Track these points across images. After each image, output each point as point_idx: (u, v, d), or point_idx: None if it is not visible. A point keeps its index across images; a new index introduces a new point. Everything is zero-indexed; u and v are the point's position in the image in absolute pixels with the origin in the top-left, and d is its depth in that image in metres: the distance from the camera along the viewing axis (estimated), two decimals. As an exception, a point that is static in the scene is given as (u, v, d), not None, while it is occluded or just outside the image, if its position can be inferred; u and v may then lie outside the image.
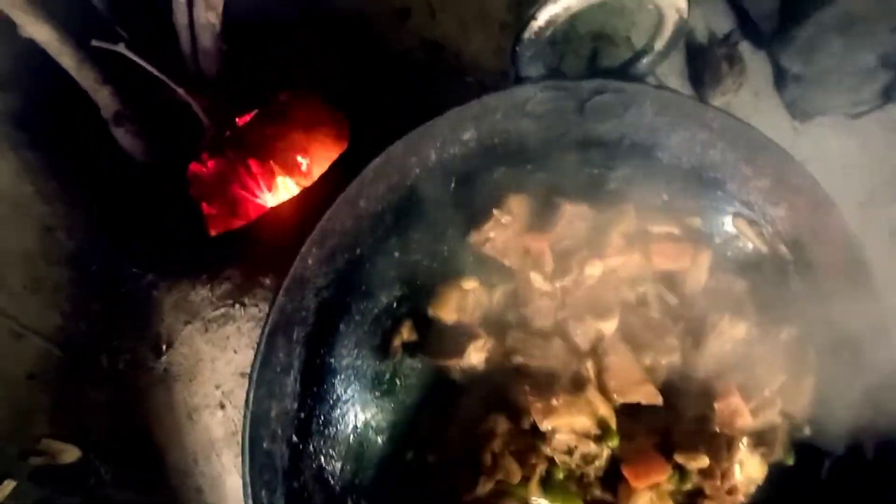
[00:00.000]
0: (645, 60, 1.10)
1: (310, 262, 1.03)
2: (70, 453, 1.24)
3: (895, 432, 1.10)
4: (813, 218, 1.19)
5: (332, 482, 1.12)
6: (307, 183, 1.51)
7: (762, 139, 1.15)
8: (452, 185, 1.16)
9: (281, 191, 1.57)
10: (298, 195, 1.33)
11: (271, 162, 1.56)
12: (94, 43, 1.20)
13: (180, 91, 1.31)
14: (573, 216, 1.14)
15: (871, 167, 1.86)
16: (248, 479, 0.96)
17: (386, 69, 1.48)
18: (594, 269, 1.12)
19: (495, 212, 1.14)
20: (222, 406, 1.26)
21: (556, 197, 1.16)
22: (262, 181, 1.57)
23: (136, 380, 1.27)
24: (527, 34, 0.99)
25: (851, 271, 1.18)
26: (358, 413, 1.16)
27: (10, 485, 1.18)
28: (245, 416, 0.96)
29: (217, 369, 1.25)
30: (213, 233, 1.40)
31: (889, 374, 1.12)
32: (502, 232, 1.14)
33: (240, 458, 1.16)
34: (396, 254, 1.17)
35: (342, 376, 1.14)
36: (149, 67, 1.26)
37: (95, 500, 1.25)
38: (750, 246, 1.25)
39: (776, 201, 1.21)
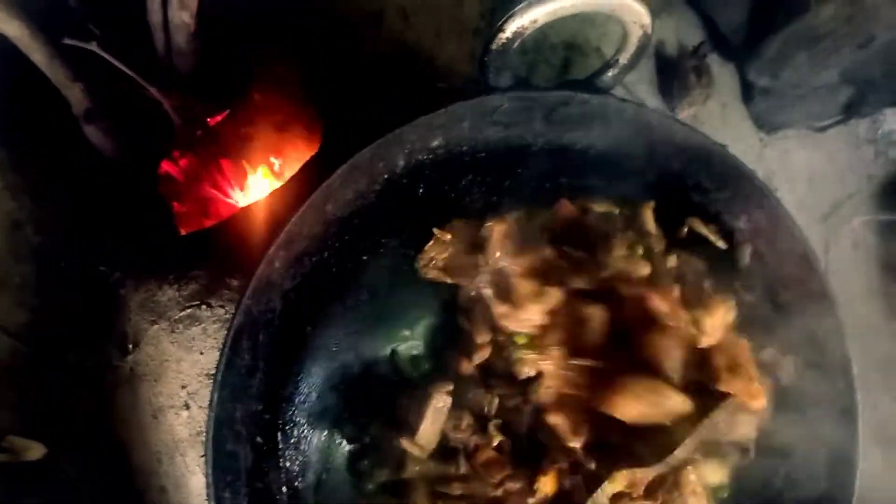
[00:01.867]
0: (611, 73, 1.12)
1: (276, 265, 1.04)
2: (35, 450, 1.24)
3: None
4: (771, 230, 1.21)
5: (296, 483, 1.14)
6: (279, 183, 1.52)
7: (722, 153, 1.18)
8: (421, 191, 1.18)
9: (252, 190, 1.57)
10: (269, 196, 1.34)
11: (243, 161, 1.56)
12: (67, 41, 1.20)
13: (152, 90, 1.31)
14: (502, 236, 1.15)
15: (835, 180, 1.90)
16: (211, 479, 0.98)
17: (359, 72, 1.49)
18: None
19: (436, 231, 1.15)
20: (187, 406, 1.26)
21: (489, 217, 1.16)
22: (233, 181, 1.57)
23: (102, 378, 1.27)
24: (494, 45, 1.01)
25: (808, 283, 1.21)
26: (325, 416, 1.17)
27: (-28, 481, 1.18)
28: (209, 418, 0.97)
29: (182, 370, 1.26)
30: (183, 231, 1.40)
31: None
32: (444, 251, 1.16)
33: (204, 459, 1.18)
34: (364, 257, 1.19)
35: (308, 378, 1.16)
36: (121, 66, 1.26)
37: (60, 497, 1.25)
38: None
39: (736, 213, 1.23)
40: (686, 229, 1.25)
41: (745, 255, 1.24)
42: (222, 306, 1.26)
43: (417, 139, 1.10)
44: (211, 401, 0.97)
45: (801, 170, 1.87)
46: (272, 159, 1.58)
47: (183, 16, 1.31)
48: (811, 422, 1.18)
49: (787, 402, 1.19)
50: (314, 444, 1.16)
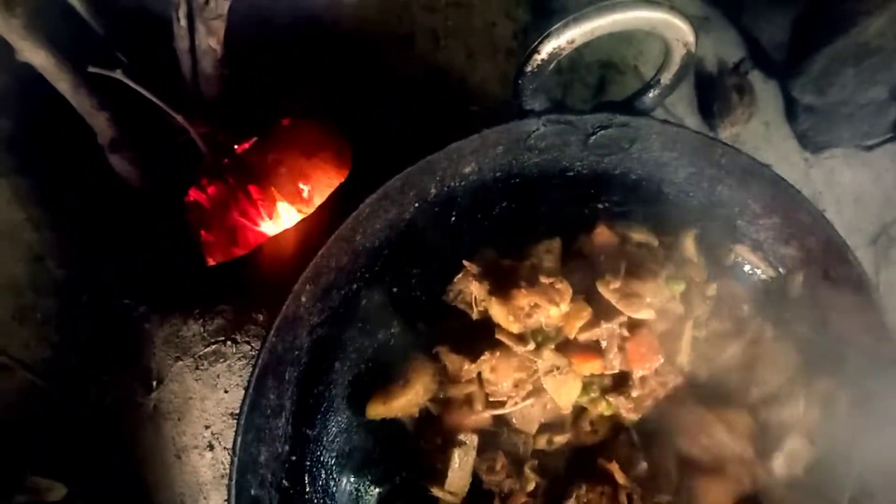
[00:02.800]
0: (652, 94, 1.07)
1: (303, 299, 1.00)
2: (56, 491, 1.20)
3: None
4: (824, 258, 1.15)
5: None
6: (309, 210, 1.48)
7: (772, 176, 1.13)
8: (453, 219, 1.13)
9: (282, 218, 1.54)
10: (298, 224, 1.30)
11: (272, 188, 1.53)
12: (91, 69, 1.18)
13: (179, 118, 1.29)
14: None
15: (883, 200, 1.84)
16: (234, 526, 0.93)
17: (390, 96, 1.46)
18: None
19: (466, 263, 1.09)
20: (211, 447, 1.22)
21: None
22: (262, 208, 1.54)
23: (125, 416, 1.24)
24: (529, 67, 0.97)
25: (864, 313, 1.15)
26: (354, 453, 1.12)
27: (-7, 522, 1.15)
28: (232, 464, 0.93)
29: (206, 409, 1.22)
30: (211, 262, 1.37)
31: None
32: (470, 285, 1.10)
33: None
34: (395, 289, 1.14)
35: (336, 416, 1.11)
36: (147, 94, 1.23)
37: (81, 539, 1.22)
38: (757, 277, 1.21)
39: (786, 240, 1.18)
40: (732, 257, 1.20)
41: (797, 285, 1.18)
42: (248, 342, 1.22)
43: (449, 166, 1.06)
44: (234, 445, 0.93)
45: (848, 190, 1.81)
46: (301, 185, 1.55)
47: (210, 42, 1.29)
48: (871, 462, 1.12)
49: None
50: (343, 488, 1.12)
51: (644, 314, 1.02)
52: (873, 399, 1.11)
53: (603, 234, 1.12)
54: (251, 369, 0.96)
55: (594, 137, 1.08)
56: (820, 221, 1.13)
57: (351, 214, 1.00)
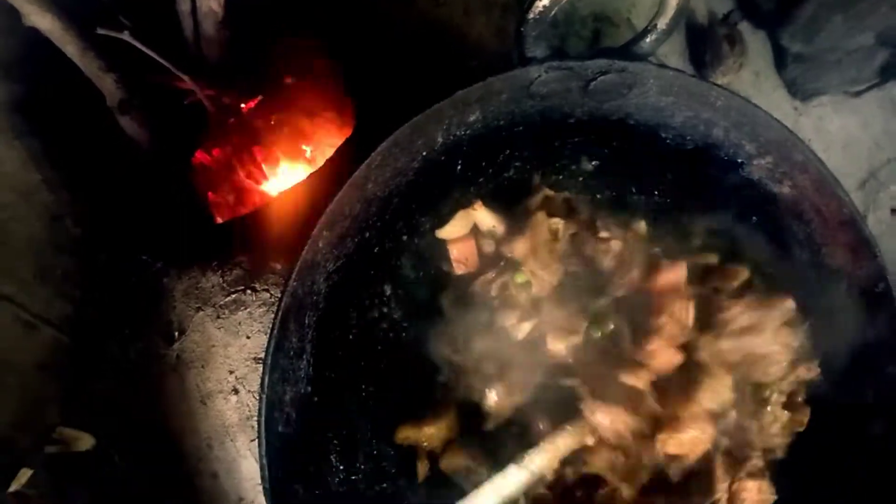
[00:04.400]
0: (648, 40, 1.10)
1: (320, 245, 1.04)
2: (84, 441, 1.25)
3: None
4: (816, 196, 1.19)
5: (348, 465, 1.14)
6: (312, 169, 1.52)
7: (765, 117, 1.15)
8: (459, 167, 1.17)
9: (286, 179, 1.57)
10: (305, 180, 1.33)
11: (275, 150, 1.56)
12: (99, 30, 1.20)
13: (185, 79, 1.31)
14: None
15: (871, 146, 1.87)
16: (265, 461, 0.97)
17: (389, 54, 1.48)
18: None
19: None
20: (236, 391, 1.27)
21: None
22: (266, 169, 1.56)
23: (149, 368, 1.28)
24: (531, 14, 1.00)
25: (856, 248, 1.19)
26: (373, 395, 1.17)
27: (26, 473, 1.19)
28: (260, 400, 0.97)
29: (230, 355, 1.26)
30: (219, 220, 1.40)
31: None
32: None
33: (254, 443, 1.18)
34: (405, 237, 1.18)
35: (354, 359, 1.16)
36: (153, 55, 1.26)
37: (110, 488, 1.26)
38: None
39: (780, 179, 1.21)
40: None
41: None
42: (266, 290, 1.26)
43: (455, 114, 1.09)
44: (262, 383, 0.97)
45: (837, 136, 1.84)
46: (304, 146, 1.58)
47: (211, 3, 1.31)
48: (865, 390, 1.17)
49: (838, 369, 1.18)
50: (364, 429, 1.16)
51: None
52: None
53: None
54: (272, 314, 1.00)
55: (594, 83, 1.11)
56: (811, 160, 1.16)
57: (363, 163, 1.03)
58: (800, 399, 1.19)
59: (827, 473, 1.18)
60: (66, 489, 1.23)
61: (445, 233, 1.18)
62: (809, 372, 1.17)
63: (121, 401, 1.27)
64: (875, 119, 1.86)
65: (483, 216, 1.18)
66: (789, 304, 1.14)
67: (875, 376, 1.17)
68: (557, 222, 1.17)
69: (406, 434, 1.15)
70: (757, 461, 1.14)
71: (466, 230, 1.20)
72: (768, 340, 1.12)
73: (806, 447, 1.19)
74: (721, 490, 1.11)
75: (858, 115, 1.85)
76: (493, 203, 1.20)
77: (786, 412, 1.16)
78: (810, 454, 1.19)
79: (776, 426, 1.16)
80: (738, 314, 1.13)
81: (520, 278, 1.14)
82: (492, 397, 1.13)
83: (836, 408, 1.18)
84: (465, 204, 1.19)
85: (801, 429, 1.18)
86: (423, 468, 1.17)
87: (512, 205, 1.22)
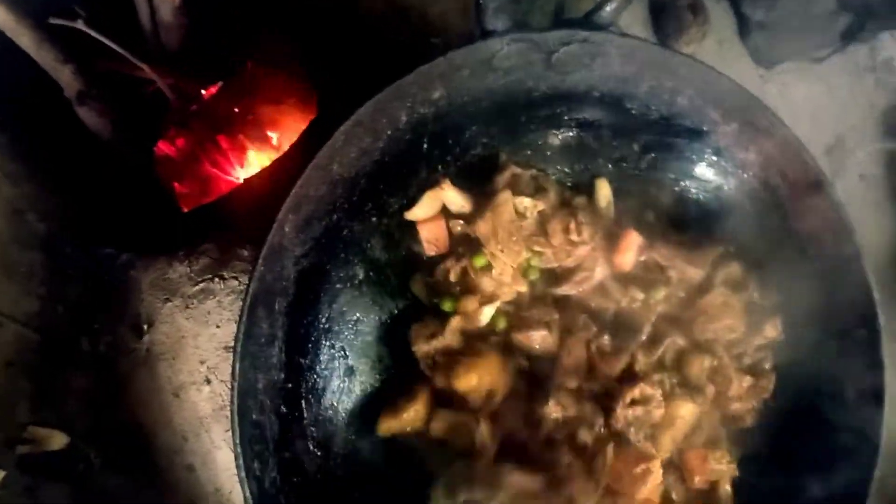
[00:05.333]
0: (608, 9, 1.10)
1: (286, 229, 1.03)
2: (57, 439, 1.23)
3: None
4: (782, 160, 1.20)
5: (324, 451, 1.13)
6: (277, 154, 1.50)
7: (729, 83, 1.15)
8: (425, 146, 1.16)
9: (252, 166, 1.56)
10: (271, 165, 1.32)
11: (241, 137, 1.54)
12: (53, 20, 1.18)
13: (144, 67, 1.29)
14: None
15: (837, 112, 1.88)
16: (239, 450, 0.97)
17: (352, 32, 1.46)
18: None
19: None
20: (208, 381, 1.25)
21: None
22: (232, 157, 1.55)
23: (119, 362, 1.26)
24: (490, -14, 0.99)
25: (823, 211, 1.19)
26: (346, 381, 1.16)
27: (-2, 474, 1.17)
28: (232, 389, 0.96)
29: (200, 345, 1.25)
30: (185, 209, 1.39)
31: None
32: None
33: (229, 433, 1.17)
34: (374, 219, 1.17)
35: (326, 345, 1.15)
36: (110, 44, 1.24)
37: (85, 486, 1.24)
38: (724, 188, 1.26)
39: (745, 145, 1.21)
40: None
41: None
42: (235, 277, 1.25)
43: (418, 91, 1.08)
44: (233, 371, 0.96)
45: (803, 104, 1.85)
46: (269, 133, 1.57)
47: (166, -10, 1.29)
48: (837, 349, 1.18)
49: (812, 329, 1.19)
50: (340, 412, 1.16)
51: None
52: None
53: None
54: (241, 302, 0.99)
55: (556, 55, 1.10)
56: (776, 124, 1.16)
57: (327, 143, 1.02)
58: (766, 365, 1.20)
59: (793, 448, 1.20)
60: (39, 489, 1.21)
61: (414, 214, 1.17)
62: (773, 330, 1.17)
63: (93, 397, 1.26)
64: (840, 85, 1.88)
65: (452, 196, 1.17)
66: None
67: (843, 341, 1.18)
68: (523, 201, 1.17)
69: (388, 425, 1.14)
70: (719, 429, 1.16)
71: (436, 211, 1.19)
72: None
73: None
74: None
75: (823, 82, 1.86)
76: (463, 182, 1.19)
77: (749, 377, 1.17)
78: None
79: (739, 390, 1.17)
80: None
81: (479, 261, 1.14)
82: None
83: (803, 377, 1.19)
84: (434, 183, 1.18)
85: (766, 395, 1.19)
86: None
87: (482, 183, 1.21)
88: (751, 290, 1.20)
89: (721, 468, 1.16)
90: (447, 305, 1.15)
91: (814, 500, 1.13)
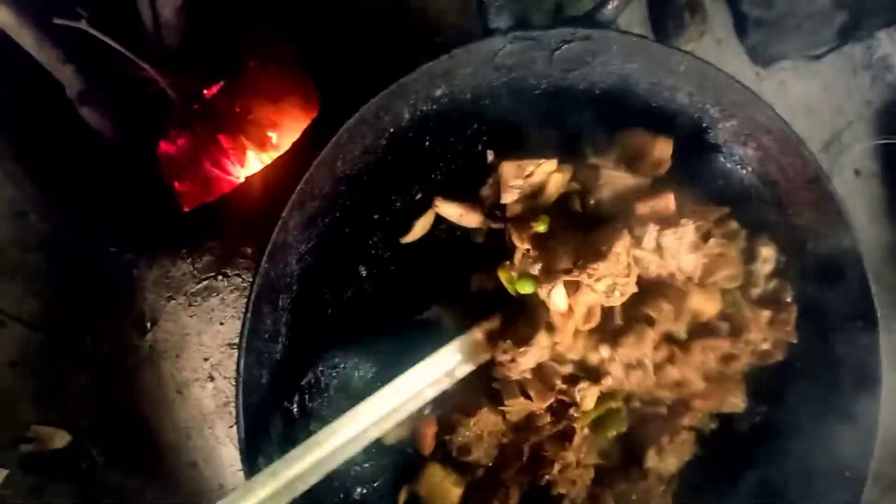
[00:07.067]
0: (609, 7, 1.11)
1: (291, 226, 1.03)
2: (60, 438, 1.23)
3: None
4: (781, 155, 1.21)
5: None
6: (277, 154, 1.50)
7: (728, 80, 1.16)
8: (427, 143, 1.17)
9: (253, 166, 1.56)
10: (273, 163, 1.32)
11: (242, 137, 1.54)
12: (56, 20, 1.18)
13: (146, 67, 1.29)
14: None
15: (834, 109, 1.89)
16: (244, 445, 0.97)
17: (353, 31, 1.46)
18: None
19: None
20: (212, 378, 1.26)
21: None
22: (233, 157, 1.55)
23: (122, 360, 1.27)
24: (494, -16, 1.00)
25: (821, 205, 1.20)
26: (350, 375, 1.17)
27: (1, 473, 1.18)
28: (237, 384, 0.96)
29: (204, 342, 1.25)
30: (186, 209, 1.39)
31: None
32: None
33: (233, 429, 1.18)
34: (376, 216, 1.18)
35: (330, 342, 1.15)
36: (112, 43, 1.24)
37: (89, 484, 1.25)
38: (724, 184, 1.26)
39: (744, 141, 1.23)
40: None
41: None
42: (238, 275, 1.25)
43: (421, 89, 1.09)
44: (238, 366, 0.96)
45: (800, 101, 1.86)
46: (269, 133, 1.57)
47: (168, -11, 1.29)
48: (835, 339, 1.19)
49: (808, 322, 1.20)
50: (342, 409, 1.16)
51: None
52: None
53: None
54: (245, 299, 1.00)
55: (558, 52, 1.11)
56: (774, 120, 1.17)
57: (331, 140, 1.03)
58: (785, 298, 1.20)
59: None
60: (43, 488, 1.22)
61: (410, 238, 1.19)
62: (768, 250, 1.18)
63: (96, 395, 1.26)
64: (836, 82, 1.89)
65: (447, 209, 1.17)
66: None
67: (844, 335, 1.19)
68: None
69: (394, 434, 1.15)
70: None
71: (427, 228, 1.20)
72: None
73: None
74: None
75: (820, 79, 1.87)
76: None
77: (766, 311, 1.16)
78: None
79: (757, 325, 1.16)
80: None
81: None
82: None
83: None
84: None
85: (789, 327, 1.18)
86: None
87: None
88: (741, 238, 1.18)
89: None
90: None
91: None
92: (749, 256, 1.18)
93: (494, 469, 1.17)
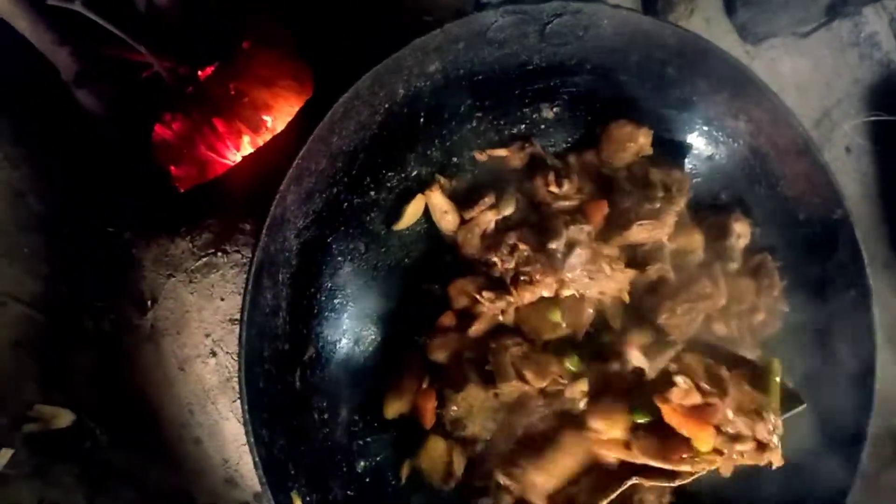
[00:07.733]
0: (600, -18, 1.12)
1: (289, 201, 1.04)
2: (64, 418, 1.24)
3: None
4: (771, 127, 1.22)
5: (330, 419, 1.15)
6: (271, 136, 1.52)
7: (718, 52, 1.17)
8: (421, 119, 1.18)
9: (248, 149, 1.57)
10: (268, 144, 1.33)
11: (237, 121, 1.55)
12: (50, 2, 1.19)
13: (140, 49, 1.30)
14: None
15: (823, 86, 1.91)
16: (248, 416, 0.98)
17: (346, 12, 1.47)
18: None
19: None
20: (214, 354, 1.27)
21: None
22: (228, 140, 1.56)
23: (124, 339, 1.28)
24: (484, -41, 1.01)
25: (812, 176, 1.22)
26: (351, 349, 1.18)
27: (6, 453, 1.18)
28: (240, 357, 0.97)
29: (205, 318, 1.26)
30: (182, 190, 1.40)
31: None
32: None
33: (236, 404, 1.19)
34: (372, 193, 1.19)
35: (330, 315, 1.17)
36: (107, 26, 1.25)
37: (93, 462, 1.26)
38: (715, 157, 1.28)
39: (735, 114, 1.24)
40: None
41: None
42: (238, 251, 1.26)
43: (415, 64, 1.09)
44: (240, 339, 0.97)
45: (789, 79, 1.88)
46: (264, 117, 1.58)
47: (161, -28, 1.30)
48: (828, 314, 1.21)
49: (802, 295, 1.22)
50: (343, 382, 1.17)
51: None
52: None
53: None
54: (245, 275, 1.00)
55: (550, 27, 1.12)
56: (765, 92, 1.18)
57: (326, 115, 1.04)
58: (768, 266, 1.24)
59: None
60: (48, 467, 1.23)
61: (402, 225, 1.22)
62: (741, 226, 1.23)
63: (98, 374, 1.27)
64: (825, 59, 1.90)
65: (435, 199, 1.20)
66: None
67: (837, 301, 1.21)
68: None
69: (395, 409, 1.18)
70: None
71: (419, 215, 1.23)
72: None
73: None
74: None
75: (809, 56, 1.89)
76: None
77: (749, 280, 1.21)
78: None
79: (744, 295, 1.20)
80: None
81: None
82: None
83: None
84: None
85: (776, 293, 1.22)
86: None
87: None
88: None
89: None
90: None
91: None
92: (721, 232, 1.21)
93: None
